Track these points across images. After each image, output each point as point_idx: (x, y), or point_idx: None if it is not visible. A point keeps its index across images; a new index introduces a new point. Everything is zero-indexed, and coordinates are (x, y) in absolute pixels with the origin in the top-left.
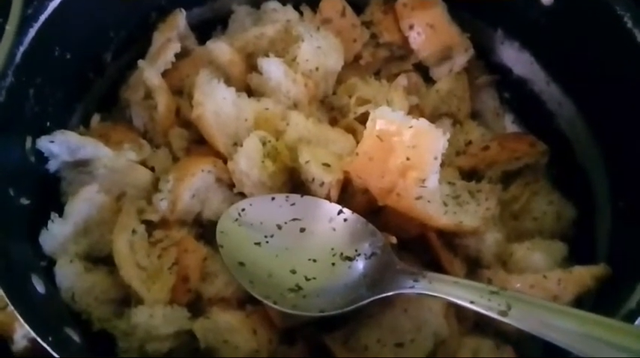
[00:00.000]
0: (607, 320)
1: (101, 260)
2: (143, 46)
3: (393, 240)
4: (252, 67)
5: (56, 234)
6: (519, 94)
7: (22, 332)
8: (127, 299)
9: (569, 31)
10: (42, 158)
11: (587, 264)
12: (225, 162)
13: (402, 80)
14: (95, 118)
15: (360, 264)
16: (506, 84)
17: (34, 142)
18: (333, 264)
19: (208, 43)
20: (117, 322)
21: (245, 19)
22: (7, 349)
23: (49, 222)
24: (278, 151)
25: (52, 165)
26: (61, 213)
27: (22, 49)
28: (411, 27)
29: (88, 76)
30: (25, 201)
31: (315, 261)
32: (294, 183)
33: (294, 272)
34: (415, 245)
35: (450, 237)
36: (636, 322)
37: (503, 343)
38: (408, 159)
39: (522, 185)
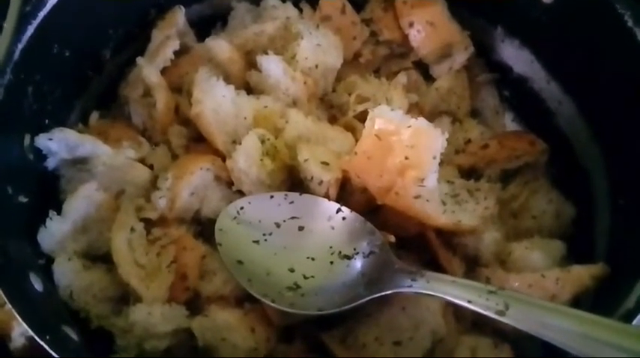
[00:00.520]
0: (605, 320)
1: (99, 258)
2: (142, 44)
3: (392, 238)
4: (252, 64)
5: (54, 231)
6: (519, 92)
7: (20, 330)
8: (125, 297)
9: (569, 30)
10: (40, 156)
11: (585, 263)
12: (224, 160)
13: (402, 78)
14: (94, 116)
15: (358, 263)
16: (506, 82)
17: (32, 140)
18: (332, 263)
19: (207, 40)
20: (115, 320)
21: (245, 16)
22: (5, 347)
23: (48, 219)
24: (277, 149)
25: (50, 163)
26: (59, 211)
27: (20, 46)
28: (411, 24)
29: (86, 74)
30: (23, 199)
31: (313, 259)
32: (293, 181)
33: (292, 270)
34: (414, 243)
35: (448, 236)
36: (634, 321)
37: (502, 342)
38: (406, 158)
39: (521, 183)
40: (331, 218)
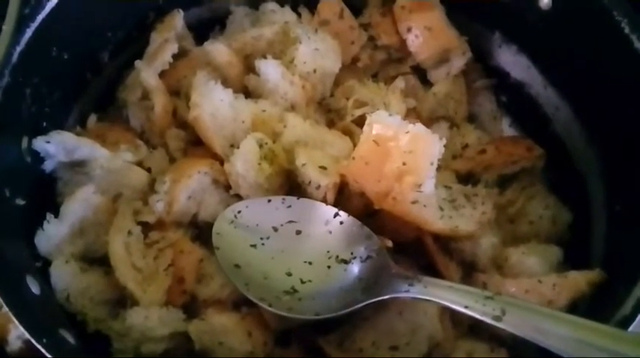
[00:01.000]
0: (601, 327)
1: (97, 261)
2: (140, 47)
3: (389, 243)
4: (250, 68)
5: (52, 234)
6: (516, 98)
7: (17, 333)
8: (123, 301)
9: (566, 36)
10: (38, 158)
11: (582, 269)
12: (221, 163)
13: (400, 83)
14: (92, 118)
15: (355, 267)
16: (504, 87)
17: (30, 142)
18: (329, 267)
19: (206, 44)
20: (112, 323)
21: (243, 20)
22: (1, 350)
23: (45, 222)
24: (275, 153)
25: (48, 166)
26: (56, 214)
27: (19, 48)
28: (409, 29)
29: (85, 76)
30: (20, 202)
31: (310, 263)
32: (291, 185)
33: (289, 274)
34: (411, 248)
35: (445, 241)
36: (630, 328)
37: (498, 346)
38: (404, 163)
39: (518, 189)
40: (329, 222)
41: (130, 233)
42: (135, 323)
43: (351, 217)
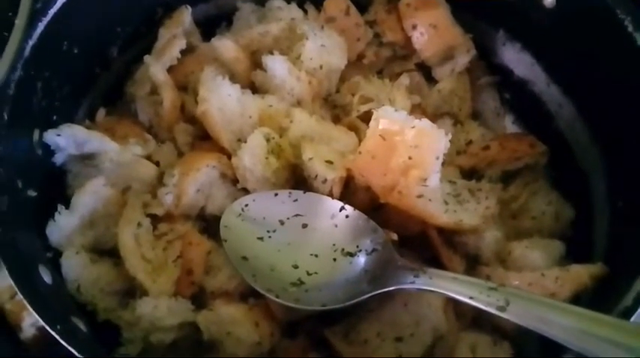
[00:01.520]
0: (604, 317)
1: (106, 252)
2: (148, 42)
3: (394, 236)
4: (257, 64)
5: (63, 225)
6: (520, 95)
7: (31, 321)
8: (132, 291)
9: (570, 34)
10: (49, 151)
11: (584, 264)
12: (229, 157)
13: (405, 79)
14: (101, 113)
15: (361, 260)
16: (507, 85)
17: (41, 135)
18: (335, 260)
19: (213, 40)
20: (121, 313)
21: (250, 17)
22: (15, 337)
23: (56, 213)
24: (282, 148)
25: (58, 159)
26: (66, 206)
27: (31, 42)
28: (414, 27)
29: (94, 71)
30: (32, 193)
31: (316, 256)
32: (297, 179)
33: (296, 266)
34: (415, 242)
35: (449, 235)
36: (632, 319)
37: (501, 339)
38: (410, 158)
39: (522, 185)
40: (334, 216)
41: (139, 225)
42: (144, 313)
43: (356, 211)
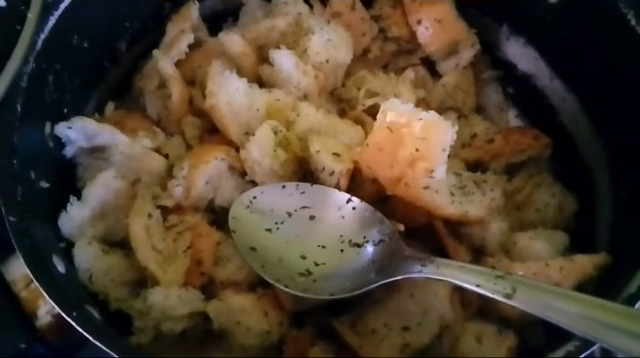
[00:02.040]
0: (609, 304)
1: (117, 243)
2: (156, 37)
3: (401, 227)
4: (264, 58)
5: (74, 216)
6: (523, 89)
7: (46, 309)
8: (143, 281)
9: (573, 28)
10: (60, 144)
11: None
12: (237, 150)
13: (410, 74)
14: (110, 106)
15: (368, 251)
16: (511, 79)
17: (52, 128)
18: (342, 251)
19: (220, 34)
20: (133, 302)
21: (256, 12)
22: (31, 324)
23: (68, 205)
24: (289, 141)
25: (68, 151)
26: (78, 198)
27: (42, 36)
28: (419, 22)
29: (103, 65)
30: (44, 185)
31: (324, 247)
32: (304, 172)
33: (304, 257)
34: (421, 233)
35: (455, 226)
36: (636, 306)
37: (506, 328)
38: (417, 150)
39: (525, 177)
40: (341, 208)
41: (149, 216)
42: (155, 303)
43: (363, 203)
